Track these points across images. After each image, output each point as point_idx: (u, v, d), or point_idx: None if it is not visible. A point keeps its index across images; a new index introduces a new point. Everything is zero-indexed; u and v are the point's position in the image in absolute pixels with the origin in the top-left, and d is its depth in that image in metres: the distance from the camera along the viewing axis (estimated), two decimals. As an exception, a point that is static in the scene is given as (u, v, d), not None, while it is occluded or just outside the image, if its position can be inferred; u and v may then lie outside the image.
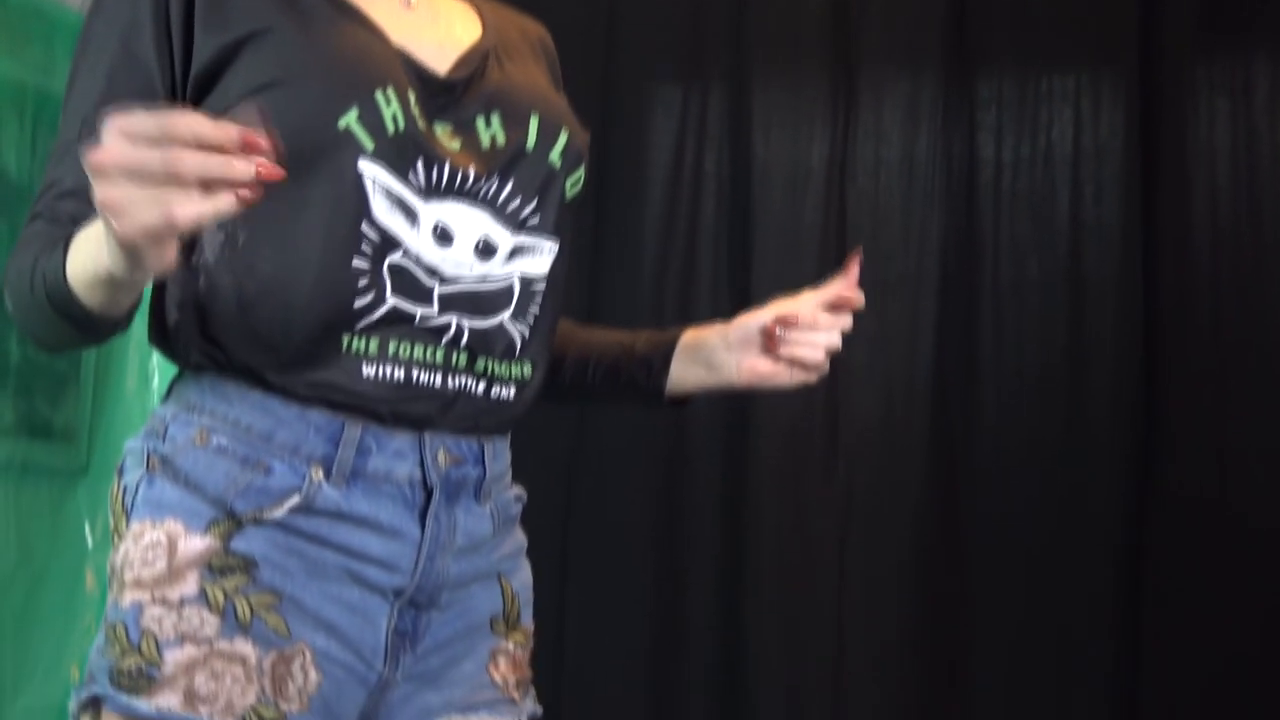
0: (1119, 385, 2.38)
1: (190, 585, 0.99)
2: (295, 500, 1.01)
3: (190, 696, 0.97)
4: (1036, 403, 2.44)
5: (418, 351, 1.04)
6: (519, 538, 1.18)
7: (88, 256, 0.93)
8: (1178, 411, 2.35)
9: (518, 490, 1.18)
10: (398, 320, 1.04)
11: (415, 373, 1.04)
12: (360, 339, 1.03)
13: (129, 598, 1.00)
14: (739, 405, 2.55)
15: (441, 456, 1.06)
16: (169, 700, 0.97)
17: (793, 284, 2.48)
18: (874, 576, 2.48)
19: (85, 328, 1.00)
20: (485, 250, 1.07)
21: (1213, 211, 2.37)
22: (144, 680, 0.98)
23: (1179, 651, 2.30)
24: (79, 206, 1.01)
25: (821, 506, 2.52)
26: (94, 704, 1.01)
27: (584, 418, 2.51)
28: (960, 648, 2.43)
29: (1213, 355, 2.35)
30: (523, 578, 1.17)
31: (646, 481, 2.57)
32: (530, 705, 1.16)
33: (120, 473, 1.06)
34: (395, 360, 1.04)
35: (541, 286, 1.11)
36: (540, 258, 1.11)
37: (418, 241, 1.04)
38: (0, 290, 1.06)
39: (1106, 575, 2.35)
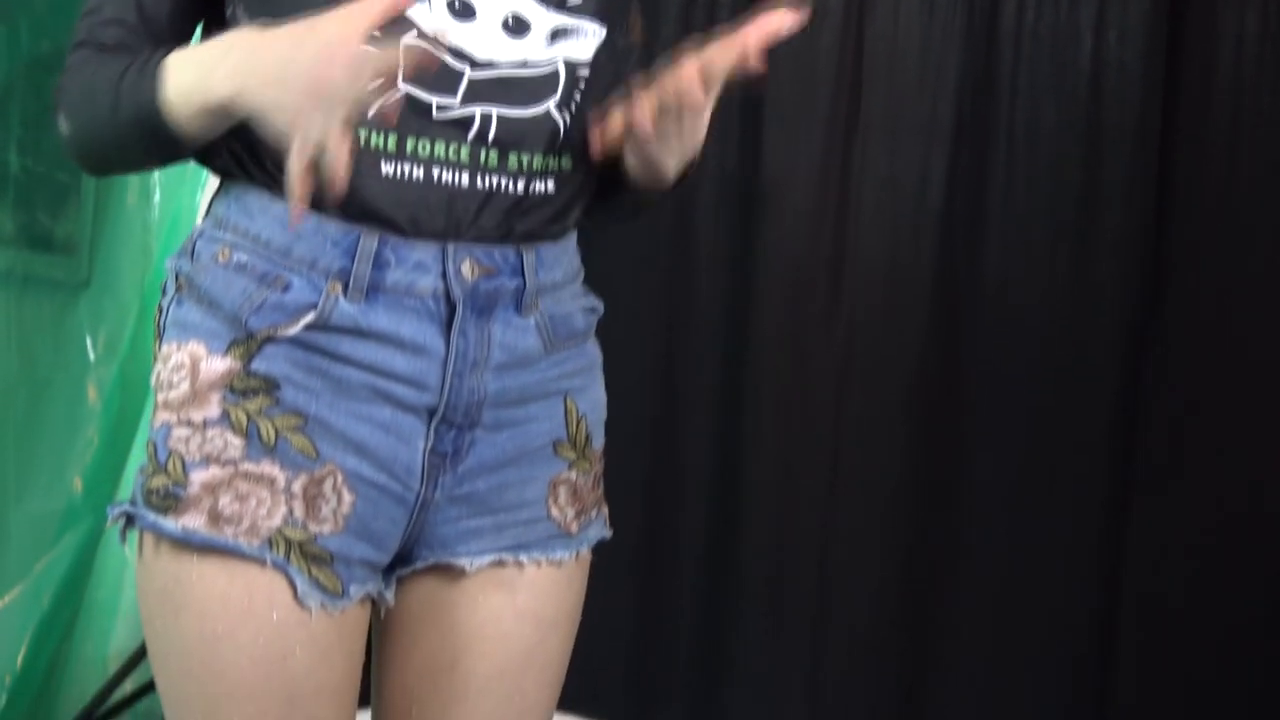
0: (1129, 237, 2.36)
1: (213, 408, 0.99)
2: (311, 317, 0.99)
3: (215, 517, 0.98)
4: (1045, 252, 2.42)
5: (439, 149, 1.00)
6: (590, 354, 1.14)
7: (198, 83, 0.94)
8: (1187, 264, 2.34)
9: (589, 301, 1.13)
10: (414, 112, 0.99)
11: (437, 172, 1.00)
12: (379, 134, 0.99)
13: (159, 419, 1.00)
14: (743, 245, 2.54)
15: (468, 268, 1.02)
16: (194, 520, 0.97)
17: (806, 127, 2.51)
18: (872, 420, 2.50)
19: (168, 151, 1.00)
20: (516, 28, 1.01)
21: (1237, 62, 2.33)
22: (171, 500, 0.98)
23: (1177, 488, 2.32)
24: (122, 34, 1.01)
25: (823, 350, 2.53)
26: (129, 522, 1.02)
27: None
28: (956, 490, 2.46)
29: (1226, 207, 2.33)
30: (593, 397, 1.14)
31: (648, 317, 2.58)
32: (595, 532, 1.15)
33: (163, 292, 1.05)
34: (414, 159, 0.99)
35: (585, 74, 1.05)
36: (584, 40, 1.04)
37: (432, 17, 0.98)
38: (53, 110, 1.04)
39: (1105, 420, 2.37)
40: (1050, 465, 2.42)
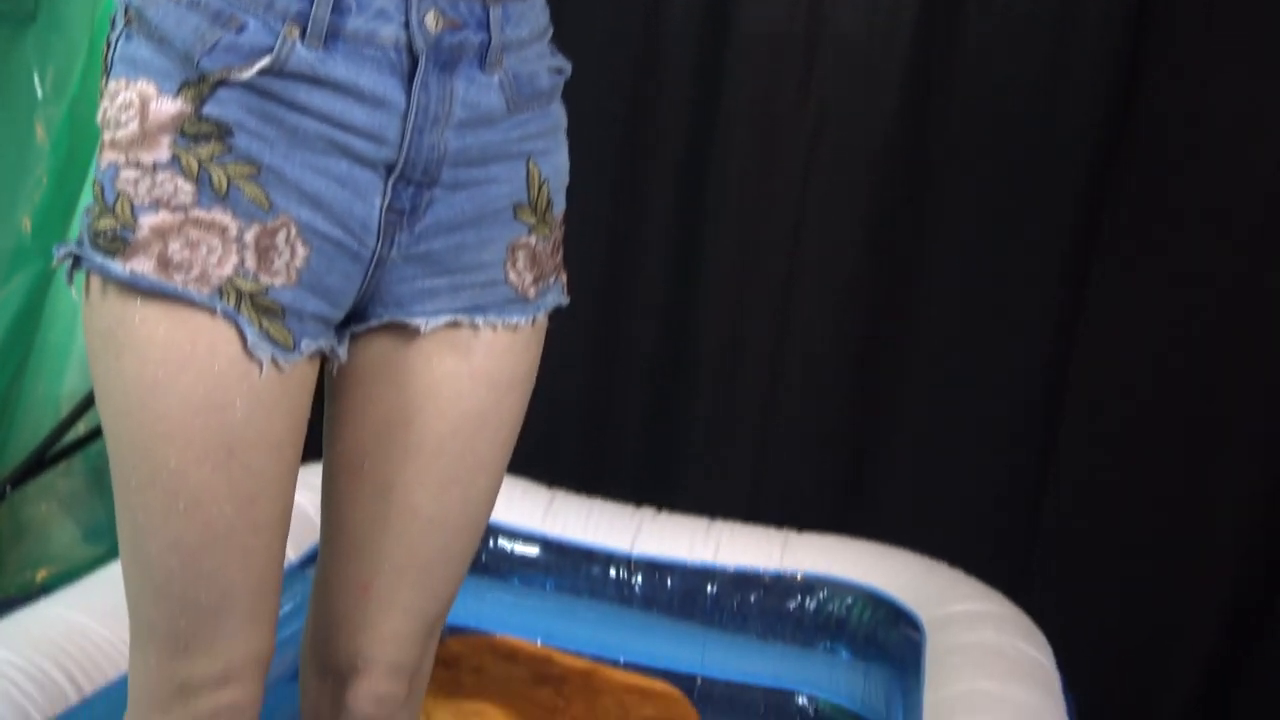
0: (1109, 22, 2.31)
1: (163, 150, 0.96)
2: (266, 61, 0.94)
3: (164, 263, 0.96)
4: (1022, 34, 2.37)
5: None
6: (555, 116, 1.11)
7: None
8: (1162, 56, 2.30)
9: (556, 61, 1.10)
10: None
11: None
12: None
13: (106, 158, 0.97)
14: (715, 17, 2.47)
15: (431, 19, 0.98)
16: (143, 265, 0.95)
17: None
18: (836, 202, 2.49)
19: None
20: None
21: None
22: (119, 243, 0.96)
23: (1139, 279, 2.35)
24: None
25: (791, 125, 2.50)
26: (76, 263, 0.99)
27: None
28: (915, 278, 2.48)
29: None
30: (556, 161, 1.11)
31: (618, 85, 2.52)
32: (553, 298, 1.14)
33: (111, 25, 1.00)
34: None
35: None
36: None
37: None
38: None
39: (1070, 207, 2.37)
40: (1011, 257, 2.43)
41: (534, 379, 1.15)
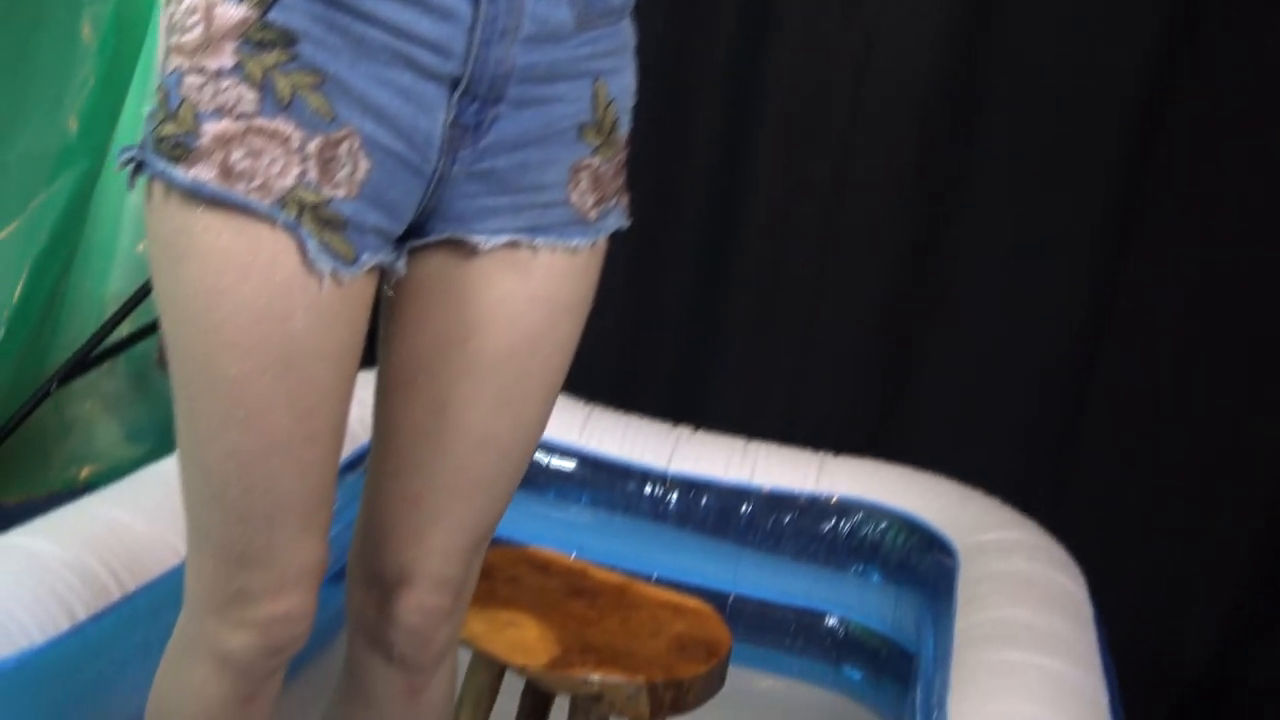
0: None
1: (227, 57, 0.94)
2: None
3: (226, 171, 0.95)
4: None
5: None
6: (625, 35, 1.09)
7: None
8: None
9: None
10: None
11: None
12: None
13: (171, 63, 0.96)
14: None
15: None
16: (205, 172, 0.95)
17: None
18: (888, 106, 2.45)
19: None
20: None
21: None
22: (181, 149, 0.95)
23: (1192, 177, 2.32)
24: None
25: (841, 39, 2.46)
26: (138, 168, 0.99)
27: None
28: (966, 183, 2.44)
29: None
30: (623, 81, 1.10)
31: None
32: (614, 221, 1.13)
33: None
34: None
35: None
36: None
37: None
38: None
39: (1129, 104, 2.33)
40: (1056, 178, 2.40)
41: (590, 303, 1.15)
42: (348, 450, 1.94)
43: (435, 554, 1.16)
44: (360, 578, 1.22)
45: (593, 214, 1.11)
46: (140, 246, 2.54)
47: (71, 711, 1.46)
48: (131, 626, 1.56)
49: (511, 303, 1.09)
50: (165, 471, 1.84)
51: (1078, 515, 2.38)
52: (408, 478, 1.14)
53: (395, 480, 1.16)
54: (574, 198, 1.09)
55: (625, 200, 1.15)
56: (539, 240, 1.08)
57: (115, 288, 2.52)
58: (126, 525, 1.67)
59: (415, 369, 1.12)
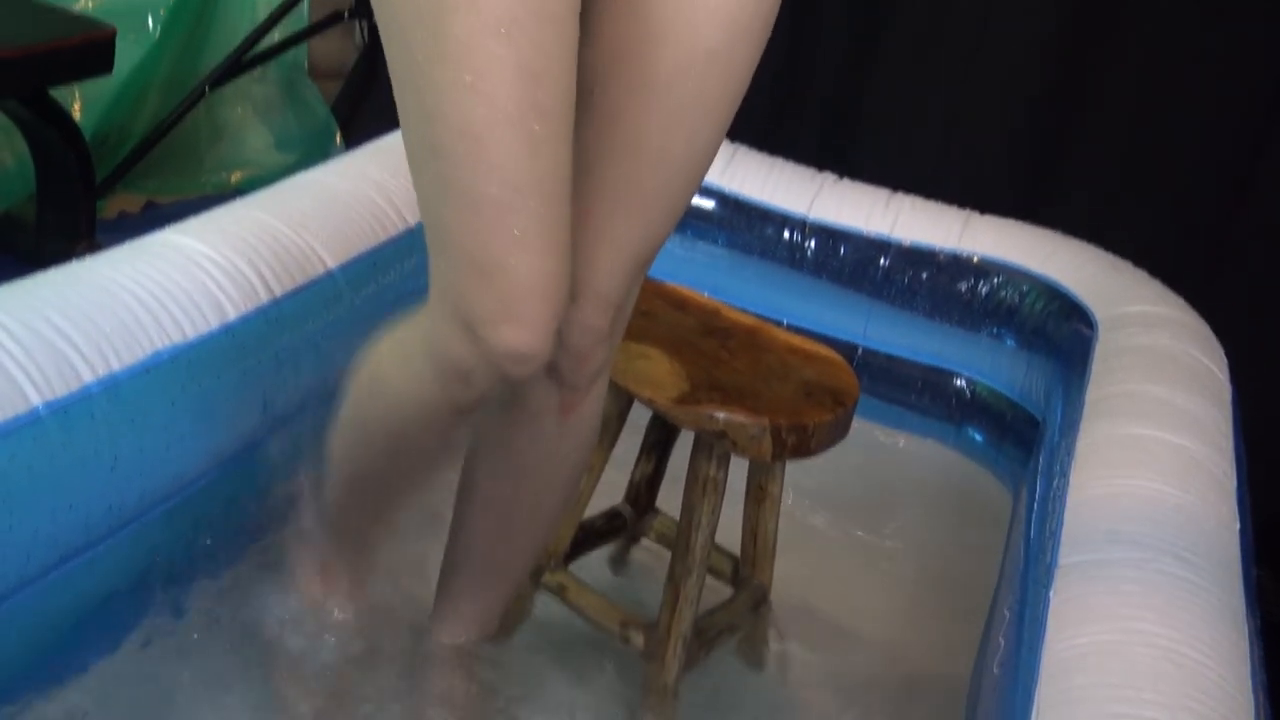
0: None
1: None
2: None
3: None
4: None
5: None
6: None
7: None
8: None
9: None
10: None
11: None
12: None
13: None
14: None
15: None
16: None
17: None
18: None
19: None
20: None
21: None
22: None
23: None
24: None
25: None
26: None
27: None
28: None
29: None
30: None
31: None
32: None
33: None
34: None
35: None
36: None
37: None
38: None
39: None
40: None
41: (770, 29, 1.11)
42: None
43: (601, 271, 1.16)
44: None
45: None
46: (293, -49, 2.52)
47: (221, 406, 1.52)
48: (278, 330, 1.60)
49: (690, 16, 1.06)
50: (314, 181, 1.86)
51: (1229, 298, 2.30)
52: (579, 190, 1.11)
53: None
54: None
55: None
56: None
57: (267, -8, 2.52)
58: (276, 232, 1.69)
59: (590, 80, 1.09)
